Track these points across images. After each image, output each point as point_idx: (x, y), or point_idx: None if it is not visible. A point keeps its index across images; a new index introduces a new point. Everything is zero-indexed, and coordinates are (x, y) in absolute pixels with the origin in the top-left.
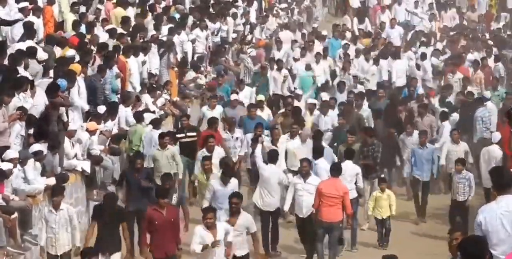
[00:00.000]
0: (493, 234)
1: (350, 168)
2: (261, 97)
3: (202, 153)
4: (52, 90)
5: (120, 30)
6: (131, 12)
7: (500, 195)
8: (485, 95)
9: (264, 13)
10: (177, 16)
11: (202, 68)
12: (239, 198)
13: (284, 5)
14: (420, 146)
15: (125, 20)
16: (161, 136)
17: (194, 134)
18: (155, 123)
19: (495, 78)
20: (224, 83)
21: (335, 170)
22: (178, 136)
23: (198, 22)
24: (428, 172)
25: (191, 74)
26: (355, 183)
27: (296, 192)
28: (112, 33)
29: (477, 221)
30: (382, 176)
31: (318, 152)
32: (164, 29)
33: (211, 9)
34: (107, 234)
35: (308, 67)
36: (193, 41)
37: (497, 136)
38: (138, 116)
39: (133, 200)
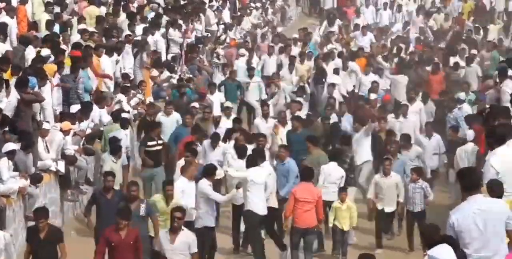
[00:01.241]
0: (465, 234)
1: (336, 170)
2: (229, 104)
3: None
4: (20, 84)
5: (92, 29)
6: (104, 11)
7: (470, 195)
8: (460, 96)
9: (238, 13)
10: (151, 15)
11: (176, 68)
12: (182, 212)
13: (258, 5)
14: (391, 156)
15: (98, 20)
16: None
17: (161, 142)
18: (124, 123)
19: (466, 83)
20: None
21: (307, 175)
22: (149, 143)
23: (172, 22)
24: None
25: (165, 73)
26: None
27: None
28: (83, 32)
29: (449, 222)
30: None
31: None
32: (139, 28)
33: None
34: (43, 256)
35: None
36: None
37: (471, 133)
38: (116, 116)
39: (104, 222)
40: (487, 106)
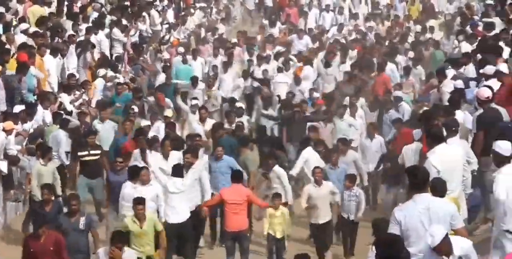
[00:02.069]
0: (412, 232)
1: (313, 156)
2: (169, 112)
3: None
4: None
5: (35, 29)
6: (47, 11)
7: (416, 193)
8: (398, 94)
9: (183, 13)
10: (95, 15)
11: (120, 68)
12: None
13: (202, 5)
14: (332, 165)
15: (42, 20)
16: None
17: (98, 152)
18: (63, 123)
19: (398, 84)
20: (124, 91)
21: (237, 176)
22: (80, 153)
23: (116, 22)
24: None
25: (109, 73)
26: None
27: None
28: (27, 32)
29: (396, 218)
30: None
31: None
32: (82, 28)
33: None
34: None
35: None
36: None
37: (418, 133)
38: (56, 116)
39: None
40: (431, 105)
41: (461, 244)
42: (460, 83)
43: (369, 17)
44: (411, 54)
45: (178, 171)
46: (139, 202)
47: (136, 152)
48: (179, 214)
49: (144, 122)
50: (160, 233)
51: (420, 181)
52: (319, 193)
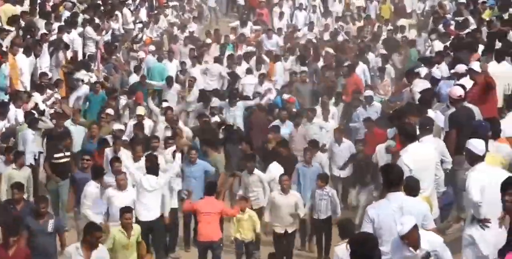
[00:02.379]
0: (385, 231)
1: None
2: (141, 110)
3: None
4: None
5: (7, 27)
6: (20, 9)
7: (390, 192)
8: (369, 94)
9: (155, 11)
10: (67, 14)
11: (93, 67)
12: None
13: (174, 3)
14: (306, 164)
15: (14, 19)
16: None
17: (69, 154)
18: (32, 123)
19: (369, 85)
20: (100, 90)
21: (210, 189)
22: (56, 155)
23: (89, 21)
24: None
25: (82, 73)
26: None
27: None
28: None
29: (369, 217)
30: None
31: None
32: (55, 27)
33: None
34: None
35: None
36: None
37: (391, 131)
38: (27, 116)
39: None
40: (404, 104)
41: (429, 238)
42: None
43: (341, 16)
44: (382, 51)
45: (153, 168)
46: (127, 210)
47: (108, 150)
48: (150, 211)
49: (117, 126)
50: (141, 243)
51: (394, 179)
52: (284, 202)
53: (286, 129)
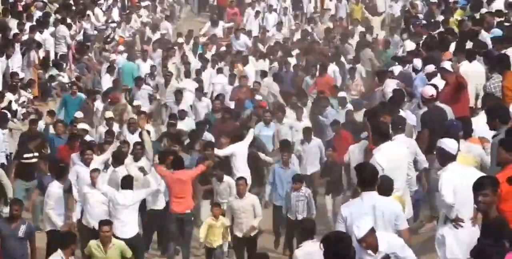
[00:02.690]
0: None
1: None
2: (110, 114)
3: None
4: None
5: None
6: None
7: (364, 191)
8: (343, 95)
9: (127, 11)
10: (38, 14)
11: (65, 67)
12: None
13: (146, 3)
14: (283, 165)
15: None
16: None
17: (37, 154)
18: (2, 122)
19: (334, 86)
20: (77, 92)
21: (178, 163)
22: (25, 155)
23: (61, 21)
24: None
25: (53, 72)
26: None
27: None
28: None
29: (342, 215)
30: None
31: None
32: (27, 27)
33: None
34: None
35: None
36: None
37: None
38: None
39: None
40: (377, 103)
41: (388, 240)
42: (399, 83)
43: (309, 18)
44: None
45: (128, 183)
46: (105, 223)
47: (74, 155)
48: (128, 229)
49: (81, 126)
50: None
51: (368, 178)
52: (240, 206)
53: (270, 131)
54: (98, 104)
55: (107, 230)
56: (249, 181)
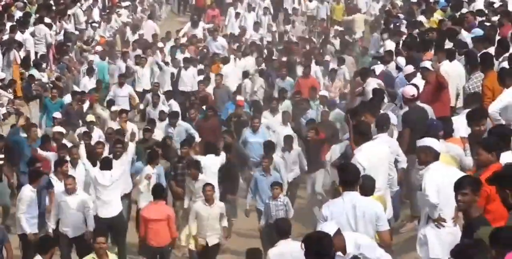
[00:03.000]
0: None
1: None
2: (91, 118)
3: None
4: None
5: None
6: None
7: (345, 190)
8: (325, 94)
9: (107, 11)
10: (19, 14)
11: (45, 66)
12: None
13: (127, 3)
14: (263, 172)
15: None
16: None
17: (2, 156)
18: None
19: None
20: (57, 96)
21: (158, 192)
22: None
23: (40, 20)
24: None
25: (34, 72)
26: None
27: None
28: None
29: (323, 214)
30: None
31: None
32: (7, 27)
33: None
34: None
35: None
36: None
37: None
38: None
39: None
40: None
41: (355, 241)
42: (381, 83)
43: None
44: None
45: (106, 164)
46: (100, 234)
47: (51, 154)
48: (110, 207)
49: (56, 129)
50: None
51: (350, 178)
52: (206, 212)
53: (258, 137)
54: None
55: (103, 242)
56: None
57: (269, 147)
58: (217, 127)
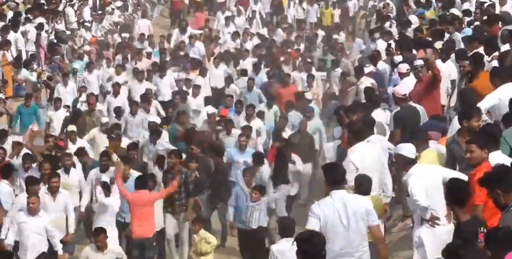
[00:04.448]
0: (330, 228)
1: None
2: (72, 127)
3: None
4: None
5: None
6: None
7: (333, 190)
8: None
9: (100, 11)
10: (11, 14)
11: (35, 66)
12: None
13: (119, 4)
14: (245, 185)
15: None
16: None
17: None
18: None
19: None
20: (31, 103)
21: (141, 183)
22: None
23: (31, 20)
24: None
25: (24, 72)
26: None
27: None
28: None
29: (315, 213)
30: None
31: None
32: None
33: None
34: None
35: None
36: None
37: (338, 130)
38: None
39: None
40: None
41: None
42: (374, 84)
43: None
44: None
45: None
46: (100, 231)
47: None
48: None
49: (14, 138)
50: None
51: (337, 177)
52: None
53: (245, 157)
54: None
55: (103, 238)
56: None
57: (258, 157)
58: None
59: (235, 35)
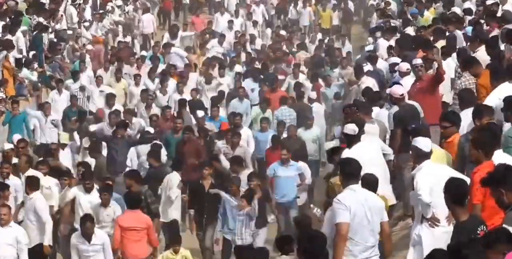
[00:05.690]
0: (357, 219)
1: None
2: (65, 137)
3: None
4: None
5: None
6: None
7: (349, 184)
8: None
9: (101, 11)
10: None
11: (36, 66)
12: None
13: (119, 3)
14: (232, 195)
15: None
16: None
17: None
18: None
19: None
20: (18, 111)
21: (133, 201)
22: None
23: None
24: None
25: (25, 71)
26: None
27: None
28: None
29: (346, 205)
30: None
31: None
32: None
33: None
34: None
35: None
36: None
37: (338, 130)
38: None
39: None
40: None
41: None
42: (375, 84)
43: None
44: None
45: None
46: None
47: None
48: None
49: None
50: None
51: (354, 171)
52: None
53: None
54: None
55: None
56: None
57: (237, 161)
58: (200, 149)
59: (221, 39)
